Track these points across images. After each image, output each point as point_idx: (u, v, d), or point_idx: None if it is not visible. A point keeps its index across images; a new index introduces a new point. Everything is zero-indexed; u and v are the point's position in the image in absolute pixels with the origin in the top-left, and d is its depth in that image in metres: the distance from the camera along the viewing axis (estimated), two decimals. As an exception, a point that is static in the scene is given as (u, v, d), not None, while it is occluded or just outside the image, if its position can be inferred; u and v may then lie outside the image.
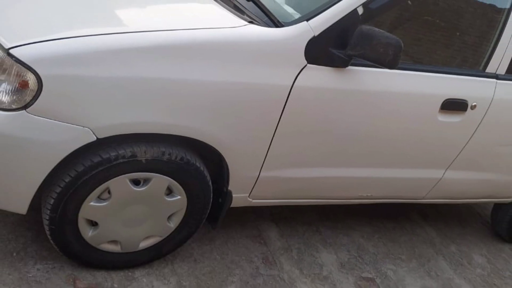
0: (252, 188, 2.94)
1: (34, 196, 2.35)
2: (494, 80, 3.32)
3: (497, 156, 3.71)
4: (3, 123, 2.13)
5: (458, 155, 3.49)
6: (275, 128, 2.68)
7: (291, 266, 3.30)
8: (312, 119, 2.77)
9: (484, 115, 3.35)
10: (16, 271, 2.58)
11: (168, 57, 2.29)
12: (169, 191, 2.65)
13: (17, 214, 2.77)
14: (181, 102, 2.37)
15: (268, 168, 2.85)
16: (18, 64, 2.08)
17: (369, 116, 2.93)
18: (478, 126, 3.38)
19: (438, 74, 3.08)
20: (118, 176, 2.44)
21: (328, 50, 2.61)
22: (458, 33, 3.21)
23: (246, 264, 3.18)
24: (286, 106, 2.63)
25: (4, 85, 2.12)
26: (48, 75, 2.09)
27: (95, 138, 2.26)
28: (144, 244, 2.78)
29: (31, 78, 2.09)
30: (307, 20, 2.57)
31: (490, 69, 3.30)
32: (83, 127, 2.21)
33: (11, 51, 2.08)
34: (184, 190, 2.66)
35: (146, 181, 2.54)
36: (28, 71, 2.08)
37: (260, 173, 2.86)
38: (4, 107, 2.13)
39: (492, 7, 3.23)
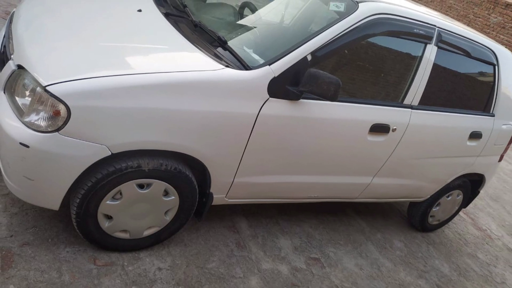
0: (228, 191, 2.96)
1: (65, 196, 2.38)
2: (410, 109, 3.38)
3: (412, 166, 3.75)
4: (41, 142, 2.16)
5: (382, 166, 3.54)
6: (245, 145, 2.71)
7: (257, 249, 3.32)
8: (273, 139, 2.79)
9: (402, 136, 3.40)
10: (51, 253, 2.59)
11: (165, 92, 2.30)
12: (166, 193, 2.67)
13: (52, 210, 2.82)
14: (175, 126, 2.38)
15: (240, 175, 2.88)
16: (53, 98, 2.11)
17: (316, 137, 2.96)
18: (398, 144, 3.44)
19: (367, 105, 3.12)
20: (127, 181, 2.46)
21: (285, 87, 2.65)
22: (382, 74, 3.23)
23: (223, 247, 3.19)
24: (253, 129, 2.66)
25: (42, 113, 2.16)
26: (75, 106, 2.12)
27: (110, 153, 2.29)
28: (147, 233, 2.80)
29: (62, 108, 2.13)
30: (269, 64, 2.61)
31: (406, 101, 3.35)
32: (101, 145, 2.24)
33: (47, 87, 2.11)
34: (177, 192, 2.68)
35: (148, 185, 2.56)
36: (60, 103, 2.12)
37: (234, 179, 2.88)
38: (42, 130, 2.16)
39: (408, 54, 3.28)
